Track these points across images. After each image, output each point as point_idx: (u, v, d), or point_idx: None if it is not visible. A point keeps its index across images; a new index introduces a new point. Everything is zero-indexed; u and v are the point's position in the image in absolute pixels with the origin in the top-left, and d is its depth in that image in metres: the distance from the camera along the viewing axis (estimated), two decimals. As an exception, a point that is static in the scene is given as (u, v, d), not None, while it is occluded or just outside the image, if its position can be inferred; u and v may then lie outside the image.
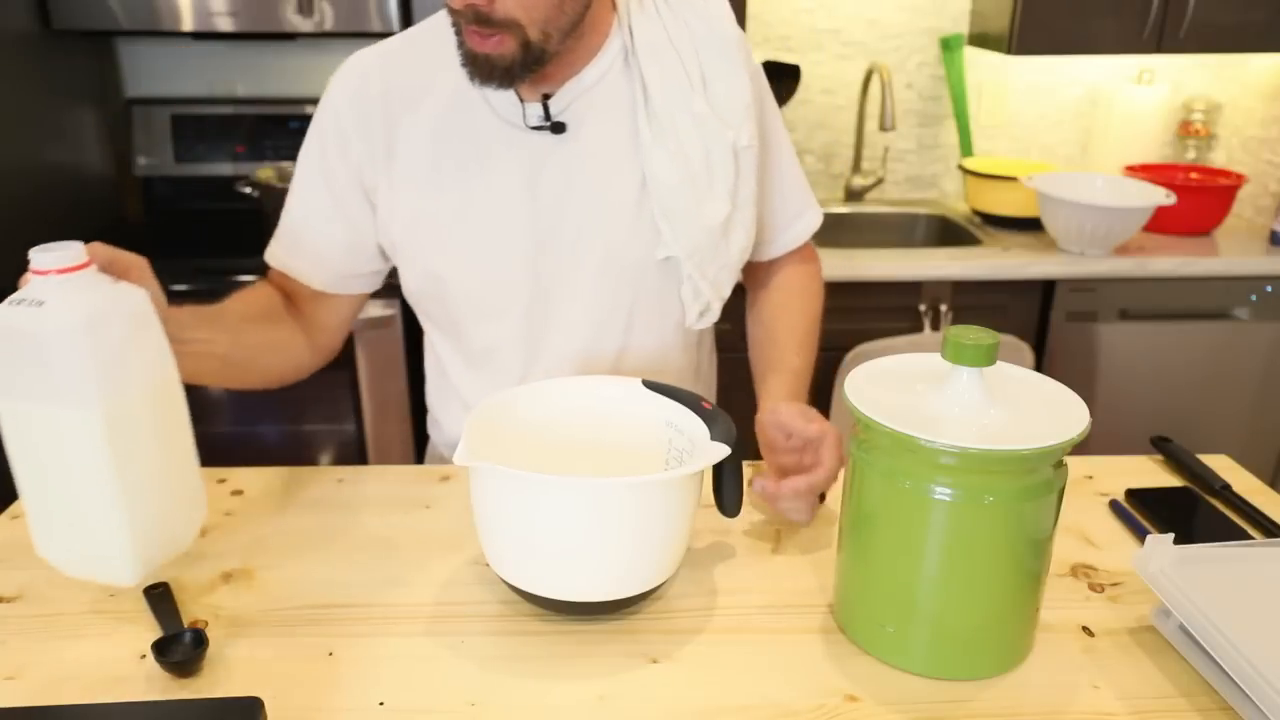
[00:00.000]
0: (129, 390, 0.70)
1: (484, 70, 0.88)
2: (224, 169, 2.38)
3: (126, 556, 0.73)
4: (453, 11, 0.87)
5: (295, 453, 2.11)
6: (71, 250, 0.69)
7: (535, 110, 0.96)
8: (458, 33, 0.89)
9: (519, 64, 0.88)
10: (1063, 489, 0.69)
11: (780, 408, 0.91)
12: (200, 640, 0.73)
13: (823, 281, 1.16)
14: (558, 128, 0.96)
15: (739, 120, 0.99)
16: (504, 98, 0.96)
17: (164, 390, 0.74)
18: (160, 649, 0.72)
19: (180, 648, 0.72)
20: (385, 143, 0.98)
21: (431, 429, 1.20)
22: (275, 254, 1.05)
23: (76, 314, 0.67)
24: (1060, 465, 0.70)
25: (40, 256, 0.68)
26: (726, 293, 1.05)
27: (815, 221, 1.13)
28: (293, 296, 1.05)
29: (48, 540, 0.75)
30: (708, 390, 1.18)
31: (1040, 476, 0.67)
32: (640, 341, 1.04)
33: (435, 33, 0.99)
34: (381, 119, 0.98)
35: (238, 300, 0.99)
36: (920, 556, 0.68)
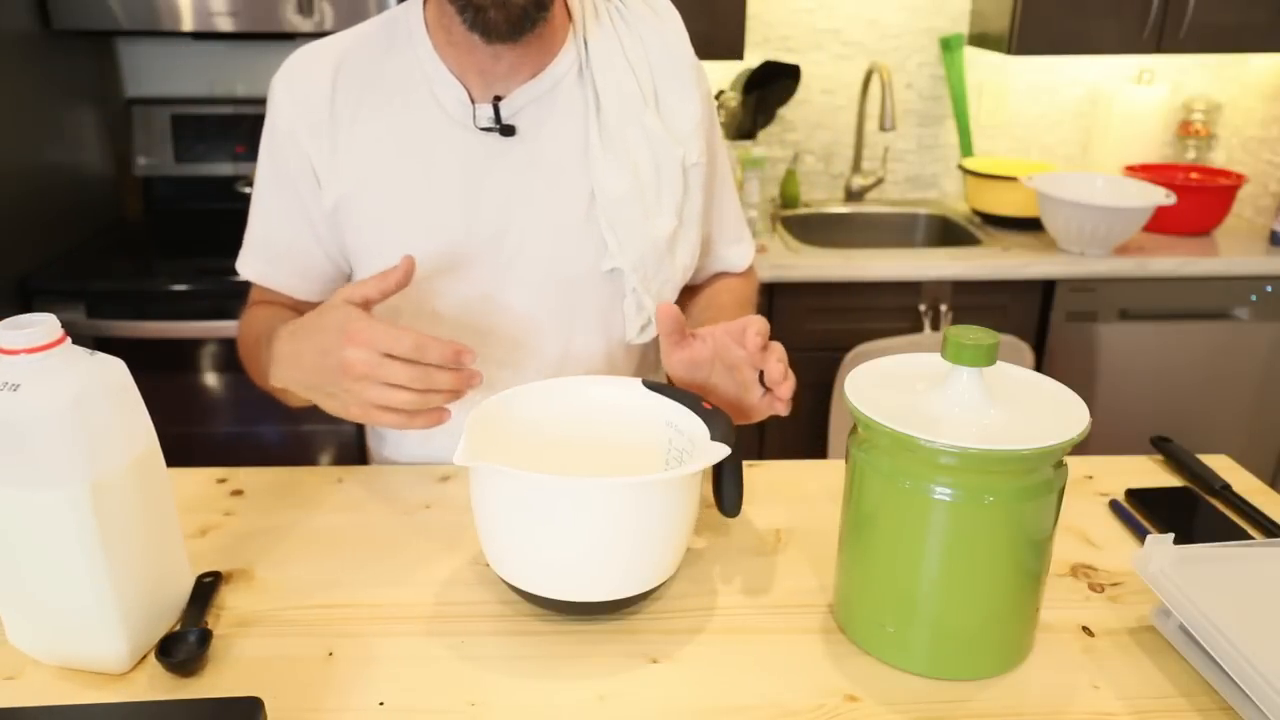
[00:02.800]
0: (113, 466, 0.66)
1: (500, 13, 0.86)
2: (224, 169, 2.38)
3: (117, 641, 0.69)
4: None
5: (295, 453, 2.11)
6: (44, 326, 0.64)
7: (485, 111, 0.95)
8: None
9: (533, 6, 0.87)
10: (1063, 489, 0.69)
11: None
12: (204, 639, 0.73)
13: (757, 292, 1.17)
14: (507, 130, 0.96)
15: (688, 138, 1.00)
16: (454, 97, 0.95)
17: (146, 460, 0.71)
18: (163, 648, 0.72)
19: (184, 646, 0.72)
20: (330, 134, 0.96)
21: (372, 440, 1.16)
22: (254, 268, 1.04)
23: (58, 397, 0.62)
24: (1060, 465, 0.70)
25: (10, 335, 0.62)
26: None
27: (751, 253, 1.15)
28: (290, 307, 1.04)
29: (22, 631, 0.71)
30: None
31: (1040, 476, 0.67)
32: (582, 352, 1.03)
33: (382, 27, 0.98)
34: (328, 110, 0.96)
35: (279, 320, 0.95)
36: (920, 556, 0.68)
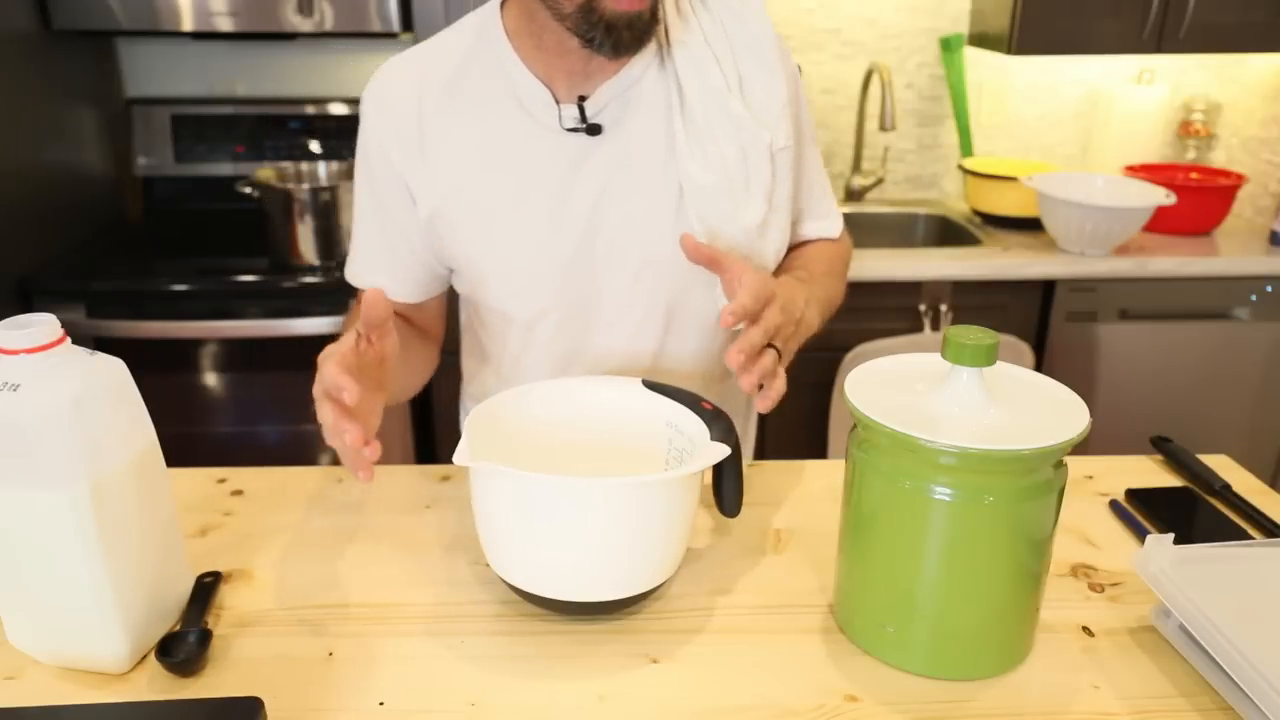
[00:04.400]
0: (113, 466, 0.67)
1: (633, 30, 0.86)
2: (224, 169, 2.38)
3: (117, 641, 0.69)
4: None
5: (295, 453, 2.11)
6: (44, 326, 0.64)
7: (571, 112, 0.95)
8: (586, 6, 0.85)
9: (652, 19, 0.87)
10: (1063, 489, 0.69)
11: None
12: (204, 639, 0.73)
13: (850, 256, 1.16)
14: (594, 129, 0.95)
15: (775, 121, 0.98)
16: (539, 100, 0.95)
17: (146, 460, 0.71)
18: (163, 648, 0.72)
19: (184, 646, 0.72)
20: (419, 149, 0.97)
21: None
22: (357, 274, 1.07)
23: (59, 396, 0.62)
24: (1060, 465, 0.70)
25: (11, 335, 0.62)
26: None
27: (840, 225, 1.13)
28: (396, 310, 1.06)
29: (22, 631, 0.71)
30: (746, 399, 1.16)
31: (1040, 476, 0.67)
32: (678, 343, 1.04)
33: (461, 35, 0.99)
34: (416, 126, 0.97)
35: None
36: (920, 556, 0.68)
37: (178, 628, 0.74)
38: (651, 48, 0.96)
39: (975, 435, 0.65)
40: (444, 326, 1.14)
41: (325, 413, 0.74)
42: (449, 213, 0.99)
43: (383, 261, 1.05)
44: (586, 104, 0.95)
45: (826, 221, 1.12)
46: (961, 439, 0.64)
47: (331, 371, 0.72)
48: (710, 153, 0.95)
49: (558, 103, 0.95)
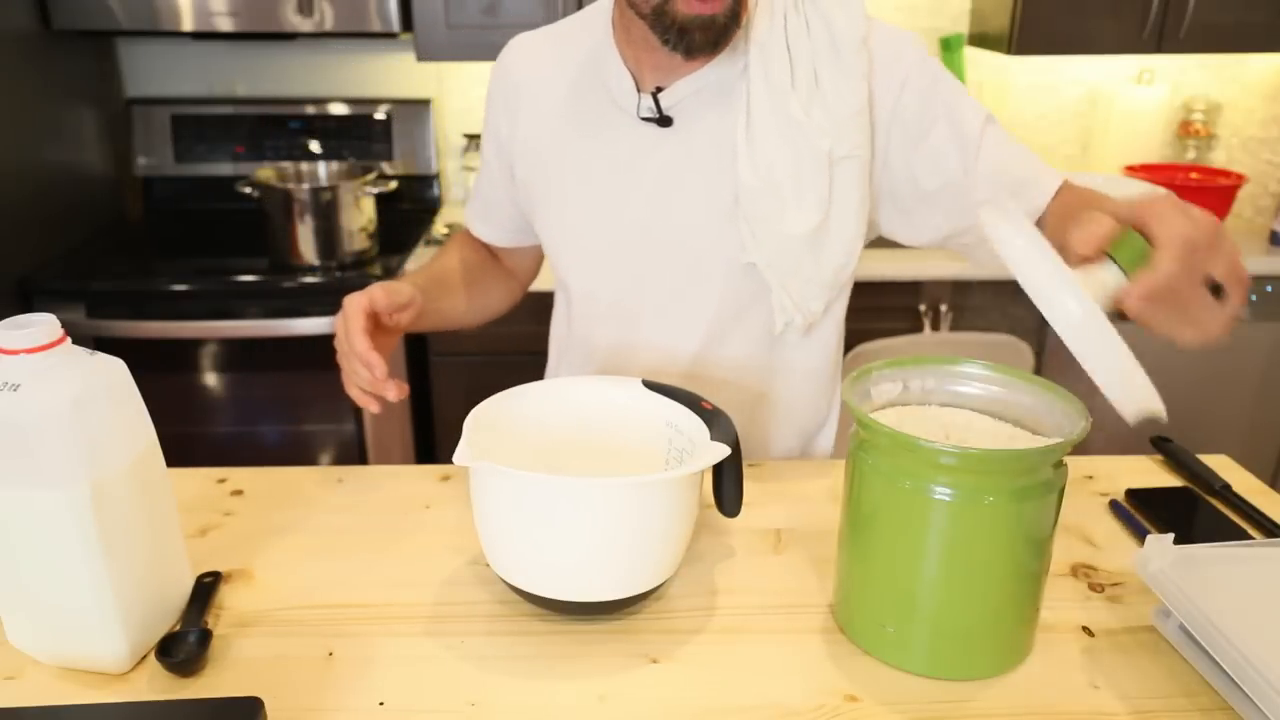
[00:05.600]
0: (113, 466, 0.66)
1: (706, 34, 0.86)
2: (224, 169, 2.38)
3: (117, 641, 0.69)
4: None
5: (295, 453, 2.11)
6: (44, 326, 0.63)
7: (648, 102, 0.97)
8: (661, 7, 0.85)
9: (731, 21, 0.87)
10: (1063, 489, 0.69)
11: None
12: (204, 639, 0.73)
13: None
14: (664, 121, 0.97)
15: (843, 127, 0.94)
16: (623, 86, 0.99)
17: (146, 460, 0.71)
18: (163, 648, 0.72)
19: (184, 646, 0.72)
20: (515, 108, 1.05)
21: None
22: (467, 215, 1.21)
23: (59, 396, 0.62)
24: (1060, 465, 0.70)
25: (10, 335, 0.62)
26: (813, 308, 1.01)
27: (1044, 193, 0.93)
28: (489, 248, 1.22)
29: (22, 631, 0.71)
30: (818, 401, 1.12)
31: (1040, 476, 0.67)
32: (724, 344, 1.05)
33: (585, 17, 1.05)
34: (514, 92, 1.06)
35: (455, 259, 1.16)
36: (920, 556, 0.68)
37: (178, 628, 0.74)
38: (734, 45, 0.95)
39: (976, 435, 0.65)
40: (533, 274, 1.26)
41: (353, 368, 0.90)
42: (528, 174, 1.07)
43: (485, 203, 1.17)
44: (662, 96, 0.97)
45: (1030, 190, 0.93)
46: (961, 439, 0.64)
47: (362, 347, 0.87)
48: (760, 155, 0.95)
49: (639, 91, 0.98)
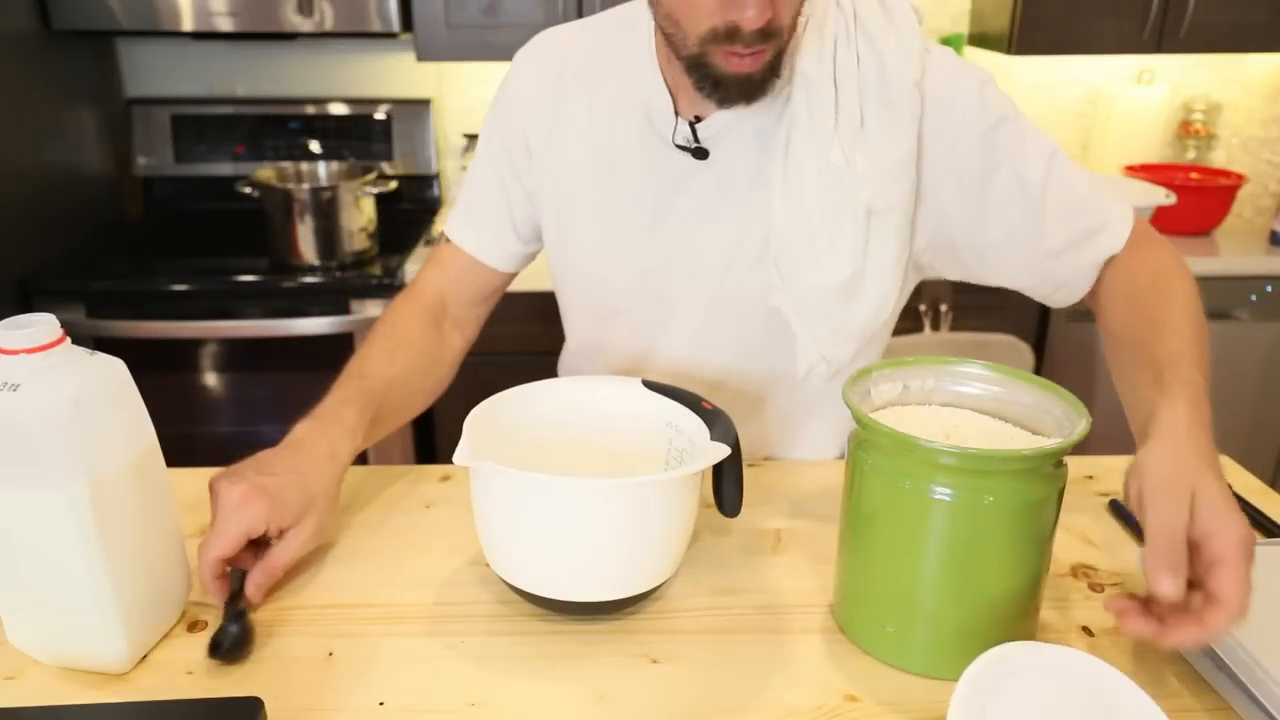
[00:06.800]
0: (113, 466, 0.66)
1: (741, 89, 0.83)
2: (224, 169, 2.38)
3: (117, 641, 0.69)
4: (715, 37, 0.79)
5: (295, 453, 2.11)
6: (44, 326, 0.63)
7: (685, 131, 0.93)
8: (697, 57, 0.81)
9: (771, 75, 0.83)
10: (1063, 489, 0.69)
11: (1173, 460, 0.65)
12: (240, 619, 0.72)
13: (1181, 262, 0.89)
14: (700, 153, 0.93)
15: (886, 177, 0.88)
16: (661, 109, 0.93)
17: (146, 460, 0.71)
18: (211, 648, 0.71)
19: (226, 636, 0.72)
20: (550, 114, 0.99)
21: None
22: (453, 226, 1.08)
23: (58, 396, 0.62)
24: (1060, 465, 0.70)
25: (10, 335, 0.62)
26: (840, 356, 0.96)
27: (1123, 233, 0.91)
28: (446, 301, 1.07)
29: (22, 631, 0.71)
30: (841, 428, 1.09)
31: (1040, 476, 0.67)
32: (741, 380, 1.02)
33: (618, 23, 0.98)
34: (553, 91, 0.98)
35: (394, 366, 0.97)
36: (920, 556, 0.68)
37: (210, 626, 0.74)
38: (780, 82, 0.88)
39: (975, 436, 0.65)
40: (472, 339, 1.12)
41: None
42: (554, 186, 1.00)
43: (480, 215, 1.06)
44: (700, 126, 0.92)
45: (1091, 244, 0.91)
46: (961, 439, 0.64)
47: (206, 577, 0.75)
48: (795, 200, 0.90)
49: (677, 115, 0.93)
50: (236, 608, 0.74)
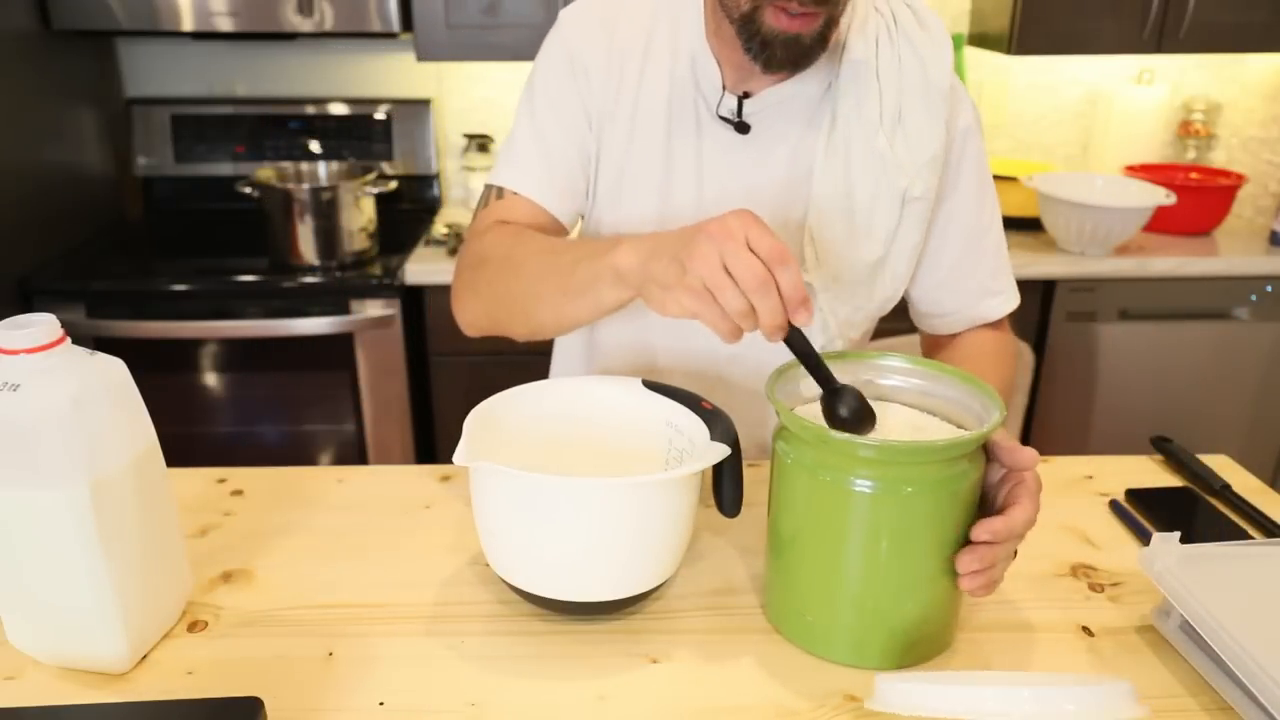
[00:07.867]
0: (113, 466, 0.66)
1: (788, 53, 0.85)
2: (224, 169, 2.38)
3: (117, 641, 0.69)
4: None
5: (295, 453, 2.11)
6: (44, 326, 0.63)
7: (730, 104, 0.95)
8: (749, 15, 0.84)
9: (819, 42, 0.85)
10: (980, 478, 0.70)
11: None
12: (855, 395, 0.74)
13: (1016, 353, 1.08)
14: (742, 128, 0.96)
15: (921, 169, 0.94)
16: (710, 81, 0.95)
17: (146, 460, 0.71)
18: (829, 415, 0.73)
19: (845, 400, 0.73)
20: (605, 79, 0.98)
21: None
22: (511, 177, 1.01)
23: (58, 396, 0.62)
24: (977, 455, 0.70)
25: (10, 335, 0.62)
26: (853, 336, 1.02)
27: (1008, 305, 1.06)
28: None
29: (22, 631, 0.71)
30: None
31: (958, 467, 0.68)
32: (757, 345, 1.02)
33: None
34: (605, 56, 0.98)
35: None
36: (842, 547, 0.69)
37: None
38: (825, 66, 0.94)
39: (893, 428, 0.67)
40: None
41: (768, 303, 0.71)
42: (606, 149, 1.00)
43: (551, 162, 1.01)
44: (747, 102, 0.95)
45: (995, 300, 1.05)
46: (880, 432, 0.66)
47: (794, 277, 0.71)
48: (841, 181, 0.94)
49: (724, 88, 0.95)
50: (833, 386, 0.74)
